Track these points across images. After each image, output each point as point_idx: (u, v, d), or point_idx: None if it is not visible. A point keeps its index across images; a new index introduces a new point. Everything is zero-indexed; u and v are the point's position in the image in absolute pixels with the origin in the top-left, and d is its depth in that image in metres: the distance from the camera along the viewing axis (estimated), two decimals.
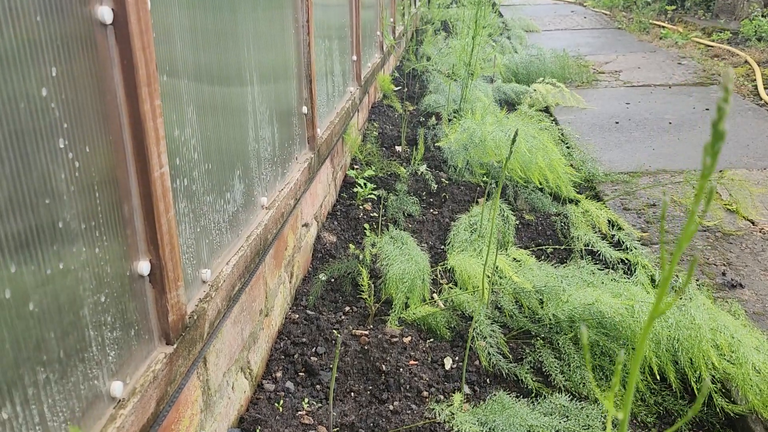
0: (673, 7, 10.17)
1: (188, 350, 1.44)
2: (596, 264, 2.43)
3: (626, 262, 2.28)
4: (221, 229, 1.74)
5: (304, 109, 2.70)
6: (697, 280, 2.36)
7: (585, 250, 2.46)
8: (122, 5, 1.13)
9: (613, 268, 2.36)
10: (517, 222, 3.07)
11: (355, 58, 4.13)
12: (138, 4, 1.16)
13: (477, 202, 3.41)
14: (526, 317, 2.24)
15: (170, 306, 1.34)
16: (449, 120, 4.25)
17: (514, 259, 2.37)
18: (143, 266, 1.27)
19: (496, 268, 2.23)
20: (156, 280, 1.31)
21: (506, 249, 2.68)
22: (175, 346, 1.36)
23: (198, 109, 1.55)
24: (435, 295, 2.56)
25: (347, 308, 2.52)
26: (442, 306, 2.39)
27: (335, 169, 3.44)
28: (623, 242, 2.26)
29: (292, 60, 2.50)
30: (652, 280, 2.21)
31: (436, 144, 4.13)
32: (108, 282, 1.16)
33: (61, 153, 1.01)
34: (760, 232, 2.73)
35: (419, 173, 3.35)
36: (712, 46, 7.07)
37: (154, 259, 1.30)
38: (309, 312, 2.44)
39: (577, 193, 3.32)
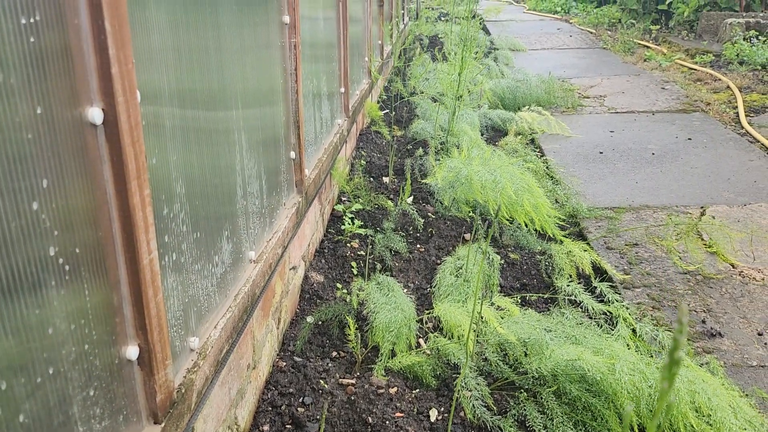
0: (657, 27, 10.31)
1: (176, 425, 1.45)
2: (580, 309, 2.47)
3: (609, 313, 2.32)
4: (209, 294, 1.76)
5: (292, 155, 2.73)
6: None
7: (569, 296, 2.50)
8: (112, 105, 1.15)
9: (595, 319, 2.40)
10: (502, 261, 3.11)
11: (342, 90, 4.17)
12: (128, 102, 1.18)
13: (463, 237, 3.44)
14: (511, 367, 2.27)
15: (158, 386, 1.36)
16: (436, 152, 4.29)
17: (499, 307, 2.40)
18: (132, 351, 1.29)
19: (482, 318, 2.26)
20: (144, 363, 1.33)
21: (491, 294, 2.72)
22: (162, 424, 1.38)
23: (187, 183, 1.57)
24: (421, 341, 2.59)
25: (334, 353, 2.54)
26: (428, 353, 2.42)
27: (323, 206, 3.46)
28: (605, 294, 2.30)
29: (280, 109, 2.53)
30: (633, 331, 2.25)
31: (423, 178, 4.17)
32: (97, 374, 1.18)
33: (52, 260, 1.03)
34: (739, 275, 2.78)
35: (407, 211, 3.39)
36: (695, 70, 7.18)
37: (142, 343, 1.31)
38: (296, 358, 2.46)
39: (562, 228, 3.37)
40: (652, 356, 2.21)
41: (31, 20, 0.97)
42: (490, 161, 3.18)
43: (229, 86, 1.88)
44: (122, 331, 1.27)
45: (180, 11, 1.51)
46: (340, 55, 4.05)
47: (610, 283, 2.84)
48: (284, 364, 2.42)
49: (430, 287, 2.92)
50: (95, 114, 1.13)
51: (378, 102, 6.33)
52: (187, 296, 1.60)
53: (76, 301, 1.11)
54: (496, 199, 2.96)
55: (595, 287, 2.63)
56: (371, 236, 3.32)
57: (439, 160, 4.23)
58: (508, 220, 3.01)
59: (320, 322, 2.68)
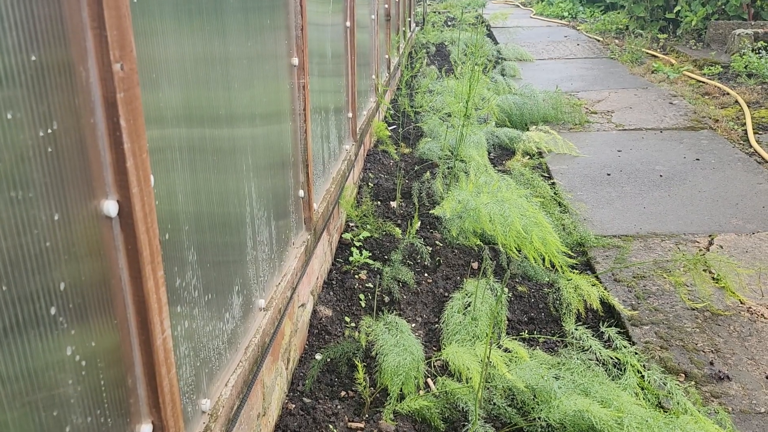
0: (665, 36, 10.27)
1: None
2: (589, 350, 2.47)
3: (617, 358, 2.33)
4: (219, 352, 1.78)
5: (301, 193, 2.74)
6: (685, 375, 2.40)
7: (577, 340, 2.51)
8: (127, 197, 1.17)
9: (603, 362, 2.41)
10: (510, 294, 3.12)
11: (350, 115, 4.19)
12: (142, 191, 1.20)
13: (471, 267, 3.45)
14: (519, 411, 2.28)
15: None
16: (444, 176, 4.30)
17: (507, 349, 2.41)
18: (145, 429, 1.31)
19: (489, 361, 2.28)
20: None
21: (500, 332, 2.73)
22: None
23: (199, 250, 1.59)
24: (429, 381, 2.61)
25: (343, 393, 2.56)
26: (437, 395, 2.43)
27: (331, 236, 3.48)
28: (613, 340, 2.31)
29: (289, 151, 2.55)
30: (642, 377, 2.26)
31: (430, 202, 4.18)
32: None
33: (69, 359, 1.05)
34: (747, 311, 2.78)
35: (415, 244, 3.41)
36: (703, 83, 7.15)
37: (156, 420, 1.33)
38: (305, 399, 2.48)
39: (569, 257, 3.38)
40: (660, 404, 2.21)
41: (49, 131, 0.99)
42: (498, 193, 3.19)
43: (239, 142, 1.90)
44: (136, 410, 1.29)
45: (190, 68, 1.53)
46: (347, 83, 4.06)
47: (618, 320, 2.85)
48: (293, 406, 2.44)
49: (438, 323, 2.93)
50: (110, 207, 1.15)
51: (385, 117, 6.34)
52: (198, 360, 1.62)
53: (92, 392, 1.12)
54: (504, 234, 2.97)
55: (604, 326, 2.63)
56: (379, 268, 3.33)
57: (447, 183, 4.24)
58: (516, 250, 3.02)
59: (329, 360, 2.69)
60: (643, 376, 2.23)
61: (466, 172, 4.04)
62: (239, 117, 1.90)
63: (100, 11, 1.07)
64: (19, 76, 0.92)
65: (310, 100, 2.73)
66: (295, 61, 2.55)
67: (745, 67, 7.35)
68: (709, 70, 7.71)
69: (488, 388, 2.29)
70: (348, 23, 4.01)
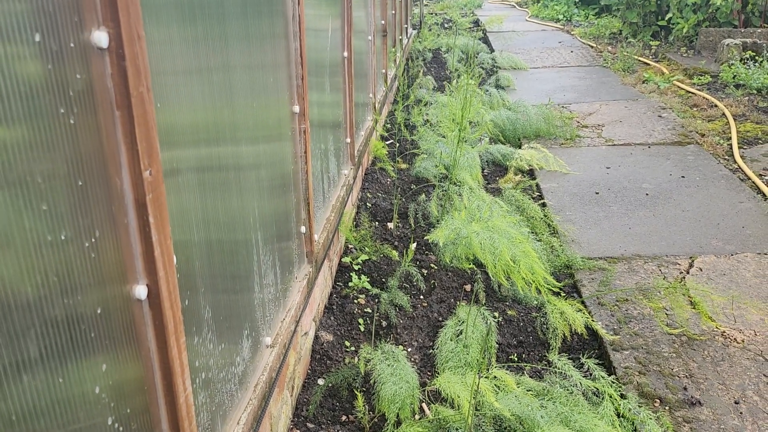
0: (657, 42, 10.43)
1: None
2: (572, 377, 2.66)
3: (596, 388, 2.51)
4: (232, 394, 1.97)
5: (303, 229, 2.93)
6: (660, 401, 2.59)
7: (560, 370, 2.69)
8: (155, 280, 1.35)
9: (584, 394, 2.59)
10: (500, 318, 3.31)
11: (348, 140, 4.36)
12: (168, 274, 1.38)
13: (464, 289, 3.64)
14: None
15: None
16: (438, 198, 4.48)
17: (495, 377, 2.60)
18: None
19: (479, 390, 2.46)
20: None
21: (490, 357, 2.92)
22: None
23: (213, 308, 1.78)
24: (424, 406, 2.79)
25: (344, 417, 2.75)
26: (431, 419, 2.62)
27: (331, 261, 3.66)
28: (593, 371, 2.50)
29: (291, 194, 2.73)
30: (623, 396, 2.45)
31: (426, 223, 4.36)
32: None
33: (109, 428, 1.24)
34: (722, 336, 2.97)
35: (410, 272, 3.60)
36: (692, 93, 7.33)
37: None
38: (309, 425, 2.67)
39: (557, 280, 3.57)
40: (636, 430, 2.40)
41: (93, 240, 1.17)
42: (489, 221, 3.37)
43: (246, 199, 2.08)
44: None
45: (200, 114, 1.71)
46: (345, 110, 4.24)
47: (601, 344, 3.03)
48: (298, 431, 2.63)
49: (433, 347, 3.12)
50: (141, 291, 1.33)
51: (383, 130, 6.52)
52: (213, 405, 1.80)
53: None
54: (494, 263, 3.15)
55: (587, 351, 2.82)
56: (377, 294, 3.51)
57: (441, 205, 4.42)
58: (505, 278, 3.21)
59: (330, 385, 2.88)
60: (623, 396, 2.42)
61: (459, 195, 4.22)
62: (246, 186, 2.08)
63: (132, 129, 1.25)
64: (69, 199, 1.10)
65: (310, 144, 2.91)
66: (296, 108, 2.73)
67: (733, 78, 7.53)
68: (699, 79, 7.89)
69: (478, 416, 2.48)
70: (345, 54, 4.18)
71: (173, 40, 1.49)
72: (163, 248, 1.36)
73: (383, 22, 7.08)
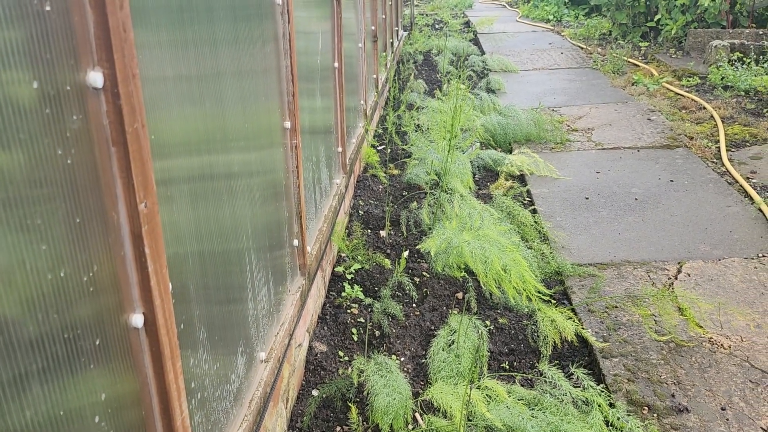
0: (647, 43, 10.51)
1: None
2: (562, 385, 2.71)
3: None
4: (227, 411, 2.00)
5: (295, 242, 2.96)
6: (648, 408, 2.65)
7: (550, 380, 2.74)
8: (151, 309, 1.39)
9: (574, 402, 2.64)
10: (492, 327, 3.35)
11: (340, 149, 4.40)
12: (163, 302, 1.42)
13: (456, 297, 3.69)
14: None
15: None
16: (430, 205, 4.52)
17: (486, 386, 2.65)
18: None
19: (470, 400, 2.51)
20: None
21: (481, 367, 2.96)
22: None
23: (209, 329, 1.81)
24: (417, 415, 2.84)
25: (338, 428, 2.79)
26: (424, 429, 2.67)
27: (324, 271, 3.70)
28: (582, 380, 2.55)
29: (284, 209, 2.76)
30: (611, 405, 2.50)
31: (418, 230, 4.40)
32: None
33: None
34: (709, 342, 3.03)
35: (402, 283, 3.64)
36: (681, 95, 7.40)
37: None
38: None
39: (548, 287, 3.62)
40: None
41: (90, 274, 1.20)
42: (480, 230, 3.42)
43: (240, 221, 2.12)
44: None
45: (192, 135, 1.74)
46: (336, 120, 4.27)
47: (591, 351, 3.09)
48: None
49: (426, 357, 3.16)
50: (138, 320, 1.36)
51: (374, 140, 6.55)
52: (210, 423, 1.84)
53: None
54: (485, 272, 3.19)
55: (577, 358, 2.86)
56: (370, 304, 3.55)
57: (433, 212, 4.47)
58: (496, 287, 3.25)
59: (324, 396, 2.92)
60: (612, 405, 2.47)
61: (451, 202, 4.26)
62: (241, 203, 2.11)
63: (128, 164, 1.28)
64: (68, 237, 1.13)
65: (301, 158, 2.95)
66: (287, 124, 2.76)
67: (722, 79, 7.60)
68: (688, 81, 7.96)
69: (470, 426, 2.52)
70: (336, 64, 4.21)
71: (167, 78, 1.53)
72: (158, 277, 1.39)
73: (373, 27, 7.12)
